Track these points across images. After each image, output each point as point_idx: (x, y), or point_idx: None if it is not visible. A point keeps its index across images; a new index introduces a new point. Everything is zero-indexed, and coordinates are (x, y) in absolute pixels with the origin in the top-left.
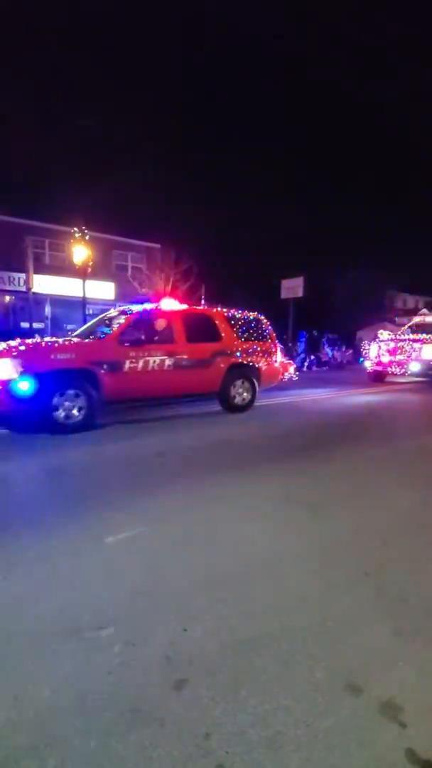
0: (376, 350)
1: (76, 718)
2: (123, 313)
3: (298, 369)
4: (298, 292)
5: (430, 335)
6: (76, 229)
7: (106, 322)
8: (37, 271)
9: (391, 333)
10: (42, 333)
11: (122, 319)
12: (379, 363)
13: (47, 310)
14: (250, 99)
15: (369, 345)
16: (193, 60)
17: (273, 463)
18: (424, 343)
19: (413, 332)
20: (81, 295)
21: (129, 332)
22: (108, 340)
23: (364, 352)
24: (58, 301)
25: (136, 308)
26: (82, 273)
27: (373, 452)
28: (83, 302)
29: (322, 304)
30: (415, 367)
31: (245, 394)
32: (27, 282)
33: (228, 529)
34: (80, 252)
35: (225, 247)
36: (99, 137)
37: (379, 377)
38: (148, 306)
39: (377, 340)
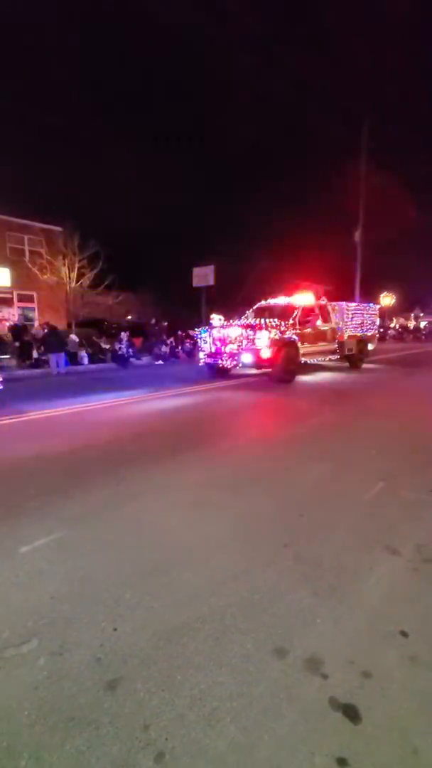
0: (209, 339)
1: (1, 740)
2: None
3: None
4: (209, 280)
5: (269, 320)
6: None
7: None
8: None
9: (222, 318)
10: None
11: None
12: (210, 354)
13: None
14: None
15: (200, 333)
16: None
17: None
18: (258, 329)
19: (255, 317)
20: None
21: None
22: None
23: (198, 342)
24: None
25: None
26: None
27: None
28: None
29: (234, 293)
30: (247, 358)
31: None
32: None
33: None
34: None
35: (137, 233)
36: None
37: (219, 371)
38: None
39: (209, 326)
